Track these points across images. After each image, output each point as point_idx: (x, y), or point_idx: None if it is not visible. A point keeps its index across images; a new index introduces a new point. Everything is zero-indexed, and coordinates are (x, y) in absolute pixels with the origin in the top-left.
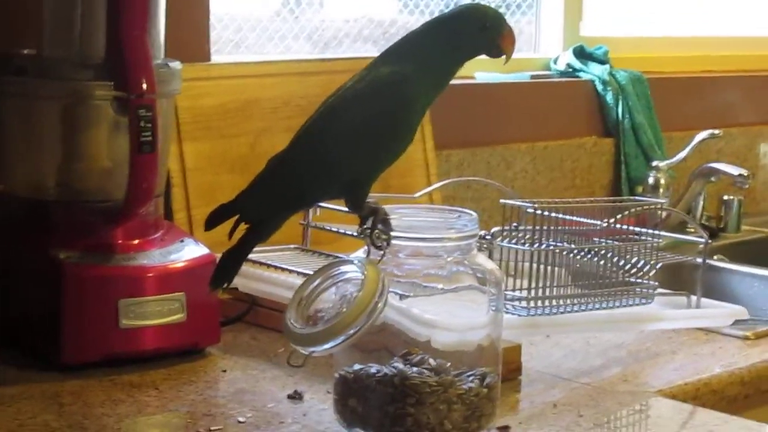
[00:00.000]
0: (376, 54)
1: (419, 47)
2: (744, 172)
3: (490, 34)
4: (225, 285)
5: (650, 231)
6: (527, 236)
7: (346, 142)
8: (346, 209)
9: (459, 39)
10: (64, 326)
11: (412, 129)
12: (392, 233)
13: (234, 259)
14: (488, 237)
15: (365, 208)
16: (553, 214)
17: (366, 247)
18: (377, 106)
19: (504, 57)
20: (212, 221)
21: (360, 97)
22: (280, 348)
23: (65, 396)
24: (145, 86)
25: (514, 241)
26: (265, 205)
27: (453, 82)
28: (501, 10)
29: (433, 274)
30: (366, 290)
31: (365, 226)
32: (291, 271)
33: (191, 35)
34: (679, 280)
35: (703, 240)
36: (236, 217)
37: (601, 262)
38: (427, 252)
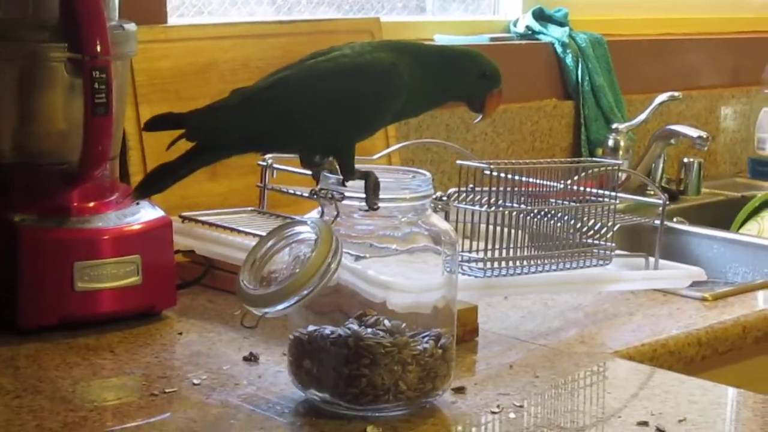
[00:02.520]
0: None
1: (418, 62)
2: (703, 134)
3: (484, 85)
4: (148, 196)
5: (608, 192)
6: (484, 198)
7: (324, 106)
8: (303, 171)
9: (456, 76)
10: (19, 289)
11: (381, 120)
12: (346, 194)
13: (168, 173)
14: (444, 198)
15: (356, 172)
16: (510, 176)
17: (320, 208)
18: (369, 82)
19: (480, 116)
20: (155, 125)
21: (354, 68)
22: (236, 311)
23: (21, 359)
24: (99, 48)
25: (470, 202)
26: (218, 133)
27: None
28: None
29: (387, 235)
30: (319, 251)
31: (319, 187)
32: (248, 234)
33: None
34: (638, 242)
35: (661, 201)
36: (180, 131)
37: (559, 224)
38: (381, 212)
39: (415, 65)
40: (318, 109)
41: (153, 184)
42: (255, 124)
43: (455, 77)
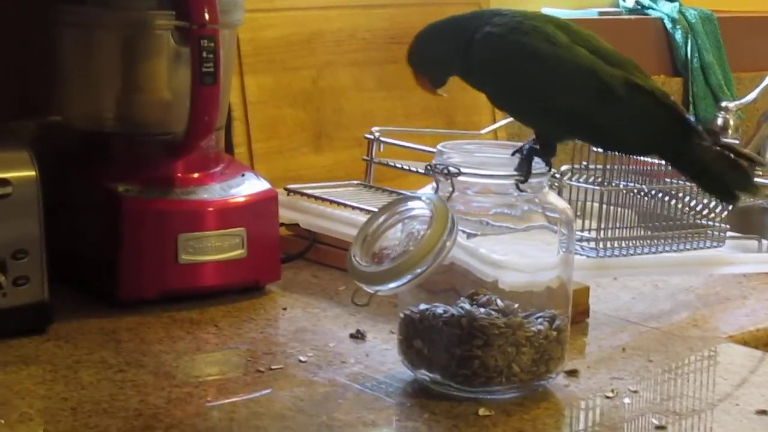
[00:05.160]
0: None
1: None
2: None
3: None
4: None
5: None
6: (596, 175)
7: None
8: (410, 145)
9: None
10: (122, 261)
11: None
12: (462, 169)
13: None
14: (558, 175)
15: None
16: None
17: (434, 184)
18: None
19: None
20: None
21: None
22: (341, 286)
23: (122, 332)
24: (207, 16)
25: (583, 179)
26: None
27: None
28: None
29: (503, 213)
30: (434, 228)
31: (435, 162)
32: (353, 208)
33: None
34: (747, 223)
35: None
36: None
37: (672, 203)
38: (497, 189)
39: None
40: None
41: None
42: None
43: None
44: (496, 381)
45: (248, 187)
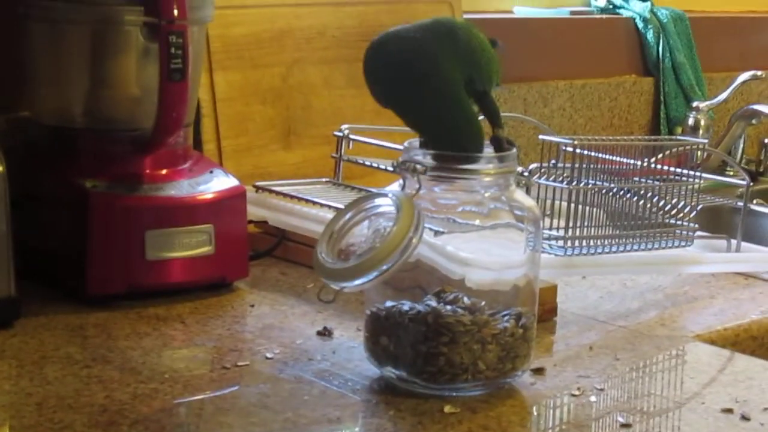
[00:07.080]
0: None
1: None
2: None
3: None
4: None
5: (692, 172)
6: (565, 174)
7: None
8: (379, 143)
9: None
10: (89, 257)
11: None
12: (428, 165)
13: None
14: (525, 174)
15: None
16: (593, 153)
17: (401, 181)
18: None
19: None
20: None
21: None
22: (309, 283)
23: (89, 328)
24: (176, 12)
25: (551, 178)
26: None
27: (491, 15)
28: None
29: (470, 210)
30: (400, 225)
31: (402, 159)
32: (322, 205)
33: None
34: (718, 223)
35: (744, 182)
36: None
37: (641, 202)
38: (464, 187)
39: None
40: None
41: None
42: None
43: None
44: (461, 378)
45: (216, 183)
